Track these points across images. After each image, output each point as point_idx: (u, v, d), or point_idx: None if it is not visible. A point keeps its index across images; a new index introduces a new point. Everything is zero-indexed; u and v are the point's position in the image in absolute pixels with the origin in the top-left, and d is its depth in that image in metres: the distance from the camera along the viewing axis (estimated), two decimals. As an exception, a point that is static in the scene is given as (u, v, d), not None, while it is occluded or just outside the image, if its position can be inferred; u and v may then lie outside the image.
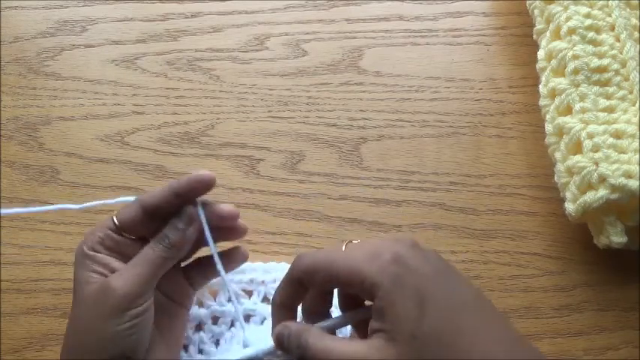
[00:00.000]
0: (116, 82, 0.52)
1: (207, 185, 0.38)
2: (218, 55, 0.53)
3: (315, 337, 0.32)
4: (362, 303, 0.35)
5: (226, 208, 0.39)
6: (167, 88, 0.51)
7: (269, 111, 0.51)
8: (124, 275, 0.36)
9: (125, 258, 0.38)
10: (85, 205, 0.40)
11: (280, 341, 0.33)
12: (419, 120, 0.51)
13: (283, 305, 0.35)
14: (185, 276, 0.41)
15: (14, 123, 0.50)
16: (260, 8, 0.54)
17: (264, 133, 0.50)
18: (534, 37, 0.50)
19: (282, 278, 0.35)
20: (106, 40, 0.53)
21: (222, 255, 0.40)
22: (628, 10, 0.47)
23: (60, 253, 0.46)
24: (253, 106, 0.51)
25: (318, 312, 0.35)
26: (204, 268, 0.41)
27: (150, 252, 0.37)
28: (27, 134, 0.50)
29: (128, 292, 0.35)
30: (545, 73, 0.47)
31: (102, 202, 0.40)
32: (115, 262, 0.37)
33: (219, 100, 0.51)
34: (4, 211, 0.40)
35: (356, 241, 0.38)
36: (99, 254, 0.37)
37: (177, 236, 0.38)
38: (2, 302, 0.45)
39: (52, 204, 0.47)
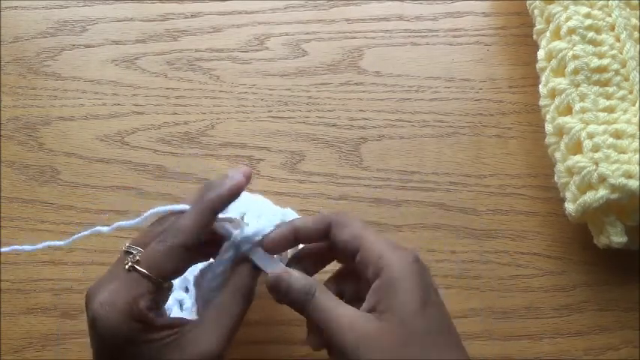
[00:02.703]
0: (116, 82, 0.52)
1: (247, 184, 0.36)
2: (218, 55, 0.53)
3: (324, 291, 0.34)
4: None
5: (241, 178, 0.36)
6: (167, 88, 0.51)
7: (269, 111, 0.51)
8: (214, 335, 0.33)
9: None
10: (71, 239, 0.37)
11: (278, 284, 0.35)
12: (419, 120, 0.51)
13: (298, 238, 0.36)
14: None
15: (14, 123, 0.50)
16: (260, 8, 0.54)
17: (264, 133, 0.50)
18: (534, 37, 0.50)
19: (311, 216, 0.37)
20: (106, 40, 0.53)
21: None
22: (628, 10, 0.47)
23: (60, 253, 0.46)
24: (253, 106, 0.51)
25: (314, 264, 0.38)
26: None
27: (232, 307, 0.34)
28: (27, 134, 0.50)
29: (221, 352, 0.33)
30: (545, 73, 0.47)
31: (86, 232, 0.36)
32: (171, 320, 0.34)
33: (219, 100, 0.51)
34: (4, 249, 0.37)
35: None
36: (157, 320, 0.33)
37: (252, 285, 0.35)
38: (2, 302, 0.45)
39: (52, 204, 0.48)
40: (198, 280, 0.37)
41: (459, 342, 0.34)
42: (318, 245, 0.37)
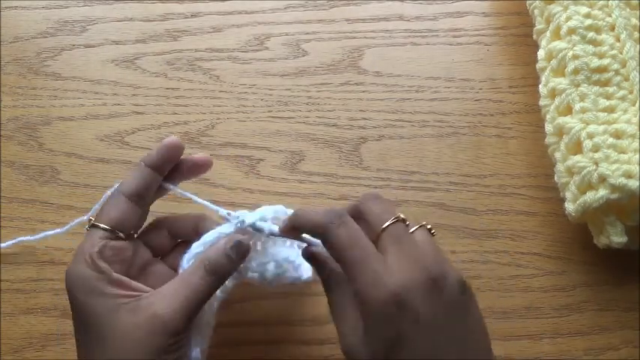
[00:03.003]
0: (116, 82, 0.52)
1: (178, 150, 0.37)
2: (218, 55, 0.53)
3: (340, 283, 0.35)
4: None
5: (200, 157, 0.39)
6: (167, 88, 0.51)
7: (269, 111, 0.51)
8: (171, 303, 0.32)
9: (127, 262, 0.35)
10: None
11: (314, 258, 0.36)
12: (419, 120, 0.51)
13: (297, 230, 0.36)
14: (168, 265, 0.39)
15: (14, 123, 0.50)
16: (260, 8, 0.54)
17: (264, 133, 0.50)
18: (534, 37, 0.50)
19: (311, 216, 0.35)
20: (106, 40, 0.53)
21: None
22: (628, 10, 0.47)
23: (60, 253, 0.46)
24: (253, 106, 0.51)
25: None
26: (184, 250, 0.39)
27: (191, 277, 0.34)
28: (27, 134, 0.50)
29: (178, 323, 0.32)
30: (545, 73, 0.47)
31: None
32: (132, 283, 0.34)
33: (219, 100, 0.51)
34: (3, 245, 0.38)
35: (405, 225, 0.35)
36: (113, 274, 0.33)
37: (224, 265, 0.35)
38: (2, 302, 0.45)
39: (52, 204, 0.48)
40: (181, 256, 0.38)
41: None
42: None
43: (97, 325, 0.32)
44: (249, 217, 0.37)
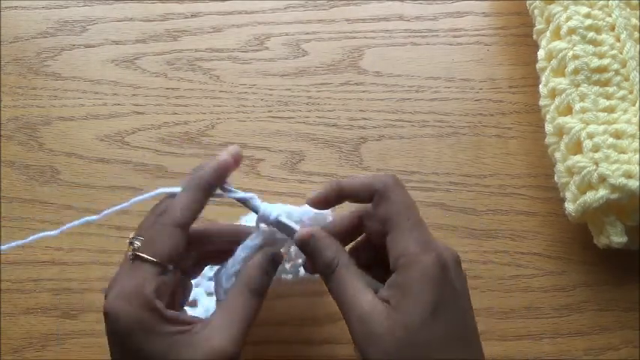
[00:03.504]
0: (116, 82, 0.52)
1: (237, 164, 0.36)
2: (218, 55, 0.53)
3: (347, 265, 0.34)
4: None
5: (224, 158, 0.36)
6: (167, 88, 0.51)
7: (269, 111, 0.51)
8: (225, 331, 0.32)
9: (172, 296, 0.34)
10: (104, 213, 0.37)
11: (305, 244, 0.35)
12: (419, 120, 0.51)
13: (342, 195, 0.36)
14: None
15: (14, 123, 0.50)
16: (260, 8, 0.54)
17: (264, 133, 0.50)
18: (534, 37, 0.50)
19: (361, 176, 0.36)
20: (106, 40, 0.53)
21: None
22: (628, 10, 0.47)
23: (60, 253, 0.46)
24: (253, 106, 0.51)
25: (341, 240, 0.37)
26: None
27: (239, 302, 0.34)
28: (27, 134, 0.50)
29: (236, 350, 0.32)
30: (545, 73, 0.47)
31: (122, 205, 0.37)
32: (181, 316, 0.33)
33: (219, 100, 0.51)
34: (4, 247, 0.37)
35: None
36: (167, 311, 0.32)
37: (265, 282, 0.35)
38: (2, 302, 0.45)
39: (52, 204, 0.48)
40: (217, 276, 0.37)
41: (472, 351, 0.33)
42: (349, 220, 0.38)
43: None
44: (274, 210, 0.37)
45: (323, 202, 0.36)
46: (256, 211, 0.37)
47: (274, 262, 0.36)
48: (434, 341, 0.31)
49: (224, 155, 0.36)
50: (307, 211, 0.38)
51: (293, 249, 0.40)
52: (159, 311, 0.32)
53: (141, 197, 0.37)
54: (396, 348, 0.31)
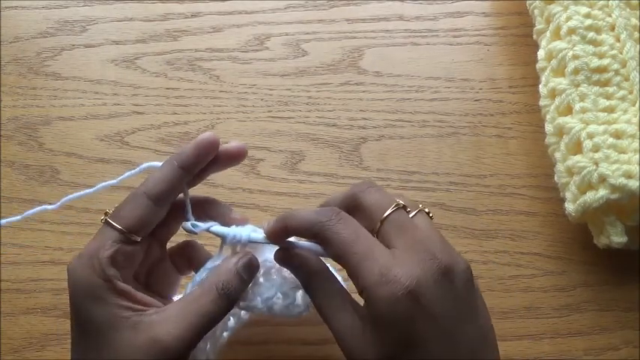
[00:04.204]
0: (116, 82, 0.52)
1: (213, 147, 0.34)
2: (218, 55, 0.53)
3: (325, 284, 0.32)
4: None
5: (234, 147, 0.35)
6: (167, 88, 0.51)
7: (269, 111, 0.51)
8: (177, 326, 0.30)
9: (132, 269, 0.33)
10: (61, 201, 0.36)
11: (283, 261, 0.34)
12: (419, 120, 0.51)
13: (288, 231, 0.33)
14: (175, 264, 0.38)
15: (14, 123, 0.50)
16: (260, 8, 0.54)
17: (264, 133, 0.50)
18: (534, 37, 0.50)
19: (303, 215, 0.33)
20: (106, 40, 0.53)
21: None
22: (628, 10, 0.47)
23: (60, 253, 0.46)
24: (253, 106, 0.51)
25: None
26: (190, 251, 0.38)
27: (201, 300, 0.31)
28: (27, 134, 0.50)
29: (180, 350, 0.30)
30: (545, 73, 0.47)
31: (74, 195, 0.35)
32: (137, 294, 0.32)
33: (219, 100, 0.51)
34: (3, 221, 0.37)
35: (411, 214, 0.33)
36: (119, 282, 0.31)
37: (237, 286, 0.32)
38: (2, 302, 0.45)
39: (52, 204, 0.48)
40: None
41: None
42: (341, 201, 0.35)
43: (95, 333, 0.31)
44: (242, 231, 0.35)
45: (272, 237, 0.34)
46: (223, 238, 0.35)
47: (250, 266, 0.33)
48: None
49: (206, 134, 0.35)
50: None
51: (261, 276, 0.36)
52: (109, 279, 0.31)
53: (130, 173, 0.37)
54: None
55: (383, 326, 0.30)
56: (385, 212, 0.32)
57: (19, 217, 0.37)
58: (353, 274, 0.31)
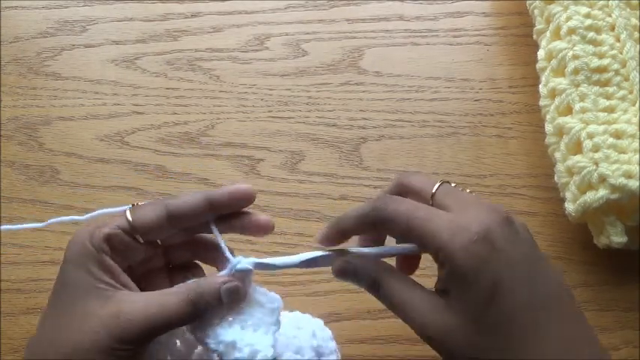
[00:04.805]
0: (116, 82, 0.52)
1: (247, 200, 0.35)
2: (218, 55, 0.53)
3: (389, 277, 0.32)
4: None
5: (263, 218, 0.36)
6: (167, 88, 0.51)
7: (269, 111, 0.51)
8: (140, 311, 0.31)
9: (128, 261, 0.34)
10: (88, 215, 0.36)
11: (344, 273, 0.33)
12: (419, 120, 0.51)
13: (344, 232, 0.34)
14: (170, 280, 0.37)
15: (14, 123, 0.50)
16: (260, 8, 0.54)
17: (264, 133, 0.50)
18: (534, 37, 0.50)
19: (354, 211, 0.33)
20: (106, 40, 0.53)
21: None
22: (628, 10, 0.47)
23: (60, 253, 0.46)
24: (253, 106, 0.51)
25: (367, 238, 0.36)
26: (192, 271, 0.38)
27: (170, 297, 0.32)
28: (27, 134, 0.50)
29: (140, 331, 0.31)
30: (545, 73, 0.47)
31: (107, 210, 0.36)
32: (122, 275, 0.33)
33: (219, 100, 0.51)
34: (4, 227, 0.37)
35: (452, 185, 0.34)
36: (107, 257, 0.32)
37: (209, 303, 0.32)
38: (2, 302, 0.45)
39: (52, 204, 0.48)
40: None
41: (552, 322, 0.30)
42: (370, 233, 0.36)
43: (67, 298, 0.32)
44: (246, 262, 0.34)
45: (328, 242, 0.35)
46: (229, 261, 0.34)
47: (234, 294, 0.33)
48: (504, 327, 0.29)
49: (244, 186, 0.35)
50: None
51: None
52: (99, 251, 0.32)
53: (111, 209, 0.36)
54: (469, 340, 0.30)
55: (464, 281, 0.30)
56: (434, 187, 0.33)
57: (42, 224, 0.37)
58: (423, 239, 0.31)
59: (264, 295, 0.35)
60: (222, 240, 0.34)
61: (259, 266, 0.34)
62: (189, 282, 0.33)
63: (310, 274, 0.45)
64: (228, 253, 0.34)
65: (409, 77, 0.52)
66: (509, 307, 0.29)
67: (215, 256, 0.35)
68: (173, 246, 0.37)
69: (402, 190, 0.35)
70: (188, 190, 0.48)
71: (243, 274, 0.34)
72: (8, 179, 0.49)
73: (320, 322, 0.39)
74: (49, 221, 0.37)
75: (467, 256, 0.29)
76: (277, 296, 0.35)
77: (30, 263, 0.46)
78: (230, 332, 0.33)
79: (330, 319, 0.45)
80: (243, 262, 0.34)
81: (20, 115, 0.51)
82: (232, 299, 0.33)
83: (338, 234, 0.34)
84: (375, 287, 0.33)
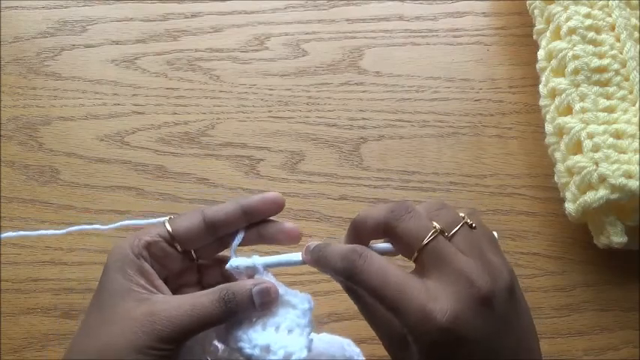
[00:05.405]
0: (116, 82, 0.52)
1: (278, 207, 0.35)
2: (218, 55, 0.53)
3: (372, 255, 0.31)
4: None
5: (289, 226, 0.36)
6: (167, 88, 0.51)
7: (269, 111, 0.51)
8: (174, 310, 0.32)
9: (166, 270, 0.35)
10: (113, 225, 0.37)
11: (313, 257, 0.33)
12: (419, 120, 0.51)
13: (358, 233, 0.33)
14: (199, 276, 0.38)
15: (14, 123, 0.50)
16: (260, 8, 0.54)
17: (264, 133, 0.50)
18: (534, 37, 0.50)
19: (335, 252, 0.32)
20: (106, 40, 0.53)
21: None
22: (628, 10, 0.47)
23: (60, 253, 0.46)
24: (253, 106, 0.51)
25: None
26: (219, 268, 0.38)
27: (203, 298, 0.32)
28: (27, 134, 0.50)
29: (174, 330, 0.31)
30: (545, 73, 0.47)
31: (131, 222, 0.37)
32: (158, 281, 0.34)
33: (219, 100, 0.51)
34: (4, 235, 0.38)
35: (455, 235, 0.31)
36: (145, 263, 0.34)
37: (241, 303, 0.33)
38: (2, 302, 0.45)
39: (52, 204, 0.48)
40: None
41: None
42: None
43: (105, 301, 0.33)
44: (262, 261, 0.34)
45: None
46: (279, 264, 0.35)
47: (265, 294, 0.33)
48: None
49: (274, 193, 0.35)
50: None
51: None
52: (139, 257, 0.33)
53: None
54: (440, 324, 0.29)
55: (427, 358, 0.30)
56: (422, 241, 0.31)
57: (63, 232, 0.38)
58: (394, 311, 0.30)
59: (295, 296, 0.34)
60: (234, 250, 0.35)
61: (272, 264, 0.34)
62: (220, 285, 0.33)
63: (310, 274, 0.45)
64: (233, 252, 0.35)
65: (409, 77, 0.52)
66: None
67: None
68: (207, 266, 0.37)
69: (389, 233, 0.33)
70: (188, 191, 0.48)
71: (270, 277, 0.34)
72: (8, 179, 0.49)
73: (349, 340, 0.39)
74: (68, 229, 0.38)
75: (431, 349, 0.29)
76: (308, 296, 0.34)
77: (30, 263, 0.46)
78: (264, 335, 0.33)
79: (330, 319, 0.45)
80: (257, 260, 0.34)
81: (20, 115, 0.51)
82: (264, 301, 0.33)
83: (356, 233, 0.34)
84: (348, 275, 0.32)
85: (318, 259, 0.33)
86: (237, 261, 0.34)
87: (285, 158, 0.49)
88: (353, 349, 0.38)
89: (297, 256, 0.35)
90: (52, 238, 0.47)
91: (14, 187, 0.48)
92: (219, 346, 0.36)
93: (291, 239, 0.36)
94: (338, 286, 0.45)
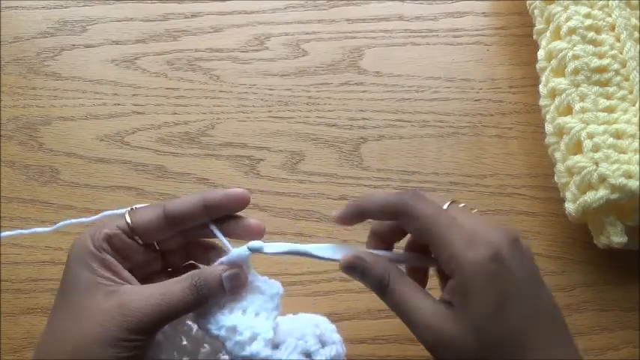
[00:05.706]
0: (116, 82, 0.52)
1: (242, 203, 0.35)
2: (218, 55, 0.53)
3: (399, 278, 0.34)
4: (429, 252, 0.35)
5: (254, 223, 0.36)
6: (167, 88, 0.51)
7: (269, 111, 0.51)
8: (144, 300, 0.32)
9: (129, 262, 0.35)
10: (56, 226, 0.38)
11: (352, 268, 0.34)
12: (419, 120, 0.51)
13: (363, 212, 0.35)
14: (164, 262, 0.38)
15: (14, 123, 0.50)
16: (260, 8, 0.54)
17: (264, 133, 0.50)
18: (534, 37, 0.50)
19: (381, 197, 0.35)
20: (106, 40, 0.53)
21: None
22: (628, 10, 0.47)
23: (60, 253, 0.46)
24: (253, 106, 0.51)
25: (385, 240, 0.37)
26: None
27: (174, 286, 0.33)
28: (27, 134, 0.50)
29: (146, 320, 0.31)
30: (545, 73, 0.47)
31: (78, 220, 0.37)
32: (124, 272, 0.34)
33: (219, 100, 0.51)
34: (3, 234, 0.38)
35: (461, 205, 0.35)
36: (107, 255, 0.33)
37: (212, 289, 0.33)
38: (2, 302, 0.45)
39: (52, 204, 0.48)
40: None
41: (549, 338, 0.32)
42: (389, 229, 0.37)
43: (72, 296, 0.33)
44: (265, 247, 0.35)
45: (344, 221, 0.36)
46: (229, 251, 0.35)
47: (235, 279, 0.34)
48: (506, 339, 0.31)
49: (239, 190, 0.36)
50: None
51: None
52: (100, 250, 0.33)
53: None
54: (470, 351, 0.31)
55: (472, 293, 0.31)
56: (444, 205, 0.35)
57: (51, 228, 0.39)
58: (439, 244, 0.33)
59: (264, 282, 0.36)
60: (220, 233, 0.35)
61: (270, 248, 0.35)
62: (191, 272, 0.34)
63: (310, 274, 0.46)
64: (226, 242, 0.35)
65: (409, 77, 0.52)
66: (512, 321, 0.31)
67: (211, 256, 0.36)
68: (171, 250, 0.37)
69: (404, 213, 0.35)
70: (188, 191, 0.48)
71: (242, 262, 0.35)
72: (8, 179, 0.49)
73: (324, 318, 0.40)
74: (58, 224, 0.38)
75: (478, 269, 0.31)
76: (277, 283, 0.36)
77: (30, 263, 0.46)
78: (231, 318, 0.34)
79: (330, 319, 0.44)
80: (253, 244, 0.35)
81: (20, 115, 0.51)
82: (233, 285, 0.34)
83: (357, 213, 0.35)
84: (381, 288, 0.34)
85: (362, 203, 0.35)
86: (238, 250, 0.35)
87: (285, 158, 0.49)
88: (326, 326, 0.38)
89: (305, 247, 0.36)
90: (52, 238, 0.46)
91: (14, 187, 0.48)
92: (193, 325, 0.37)
93: (254, 235, 0.36)
94: (338, 286, 0.46)
